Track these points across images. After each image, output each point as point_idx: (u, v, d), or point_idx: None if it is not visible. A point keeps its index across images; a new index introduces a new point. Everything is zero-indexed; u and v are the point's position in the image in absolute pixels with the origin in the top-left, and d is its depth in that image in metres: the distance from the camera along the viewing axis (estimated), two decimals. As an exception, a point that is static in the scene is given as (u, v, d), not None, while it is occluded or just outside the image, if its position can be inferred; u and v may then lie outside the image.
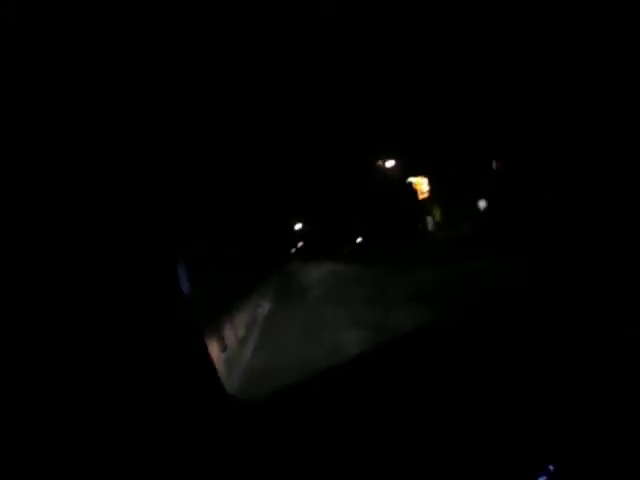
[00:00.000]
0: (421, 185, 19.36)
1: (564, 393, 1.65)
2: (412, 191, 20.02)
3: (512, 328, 1.95)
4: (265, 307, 9.61)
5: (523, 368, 1.76)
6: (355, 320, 6.30)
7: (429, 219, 19.85)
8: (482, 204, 15.85)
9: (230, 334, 8.23)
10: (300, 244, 48.79)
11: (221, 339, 7.65)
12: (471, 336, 1.98)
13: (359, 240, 30.81)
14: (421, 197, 19.52)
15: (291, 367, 4.73)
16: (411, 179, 19.43)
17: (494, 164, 12.90)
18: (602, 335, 1.81)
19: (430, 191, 18.80)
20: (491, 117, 11.71)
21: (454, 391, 1.77)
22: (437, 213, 19.05)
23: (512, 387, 1.71)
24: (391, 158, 19.03)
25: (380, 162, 19.76)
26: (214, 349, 6.88)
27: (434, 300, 6.04)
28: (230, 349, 7.59)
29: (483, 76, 11.24)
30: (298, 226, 41.88)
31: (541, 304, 2.08)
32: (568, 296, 2.09)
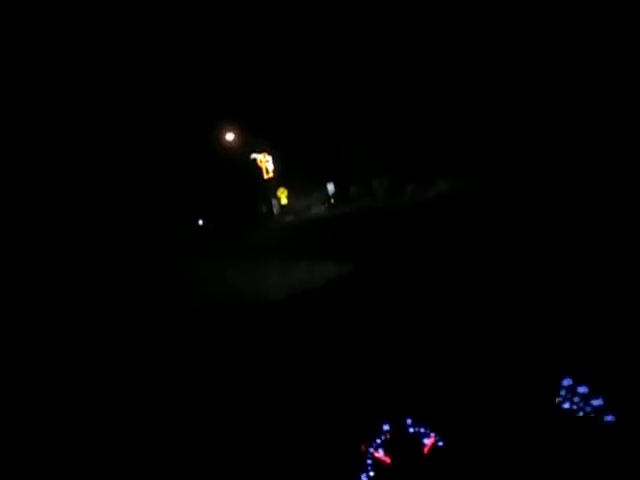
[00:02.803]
0: (266, 163, 17.82)
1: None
2: (257, 169, 18.44)
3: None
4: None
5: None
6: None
7: (274, 201, 18.56)
8: (331, 187, 15.01)
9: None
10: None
11: None
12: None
13: (200, 222, 28.65)
14: (266, 177, 18.04)
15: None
16: (255, 156, 17.72)
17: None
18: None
19: (275, 170, 17.42)
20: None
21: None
22: (283, 195, 17.82)
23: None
24: (231, 130, 16.96)
25: (219, 134, 17.57)
26: None
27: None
28: None
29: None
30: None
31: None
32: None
